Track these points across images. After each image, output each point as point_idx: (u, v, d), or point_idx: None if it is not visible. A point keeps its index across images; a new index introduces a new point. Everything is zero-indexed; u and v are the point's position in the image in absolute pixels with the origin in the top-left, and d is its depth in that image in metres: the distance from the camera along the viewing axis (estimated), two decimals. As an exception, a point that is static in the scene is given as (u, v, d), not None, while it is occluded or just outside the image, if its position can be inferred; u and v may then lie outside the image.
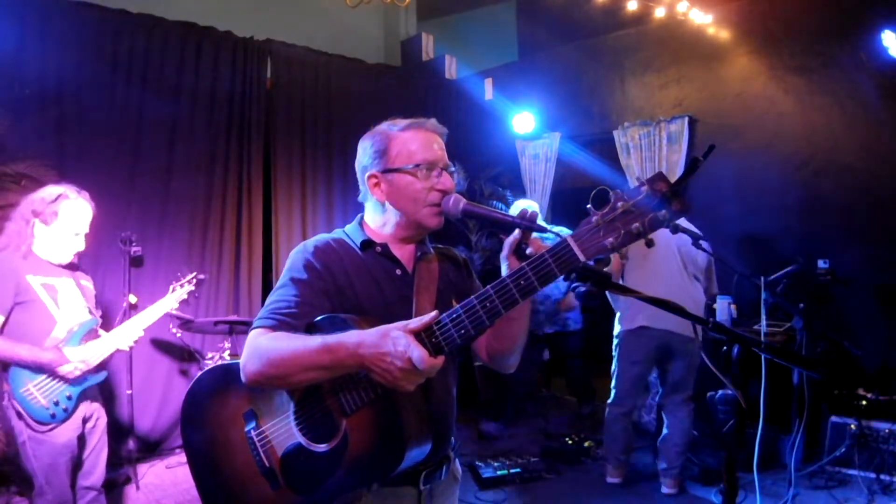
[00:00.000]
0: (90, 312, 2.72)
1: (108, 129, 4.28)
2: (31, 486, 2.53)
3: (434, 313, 1.23)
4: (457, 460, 1.63)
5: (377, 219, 1.54)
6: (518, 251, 1.33)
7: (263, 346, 1.32)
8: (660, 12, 4.98)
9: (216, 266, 4.75)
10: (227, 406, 1.54)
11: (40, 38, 4.01)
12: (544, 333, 5.05)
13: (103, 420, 2.78)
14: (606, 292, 3.80)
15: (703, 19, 4.93)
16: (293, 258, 1.47)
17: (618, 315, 3.86)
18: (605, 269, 3.68)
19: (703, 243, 3.43)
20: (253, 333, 1.36)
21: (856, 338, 4.06)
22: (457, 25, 7.13)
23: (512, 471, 4.00)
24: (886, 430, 3.67)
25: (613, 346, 3.87)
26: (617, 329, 3.85)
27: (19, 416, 2.48)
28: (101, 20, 4.27)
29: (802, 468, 3.78)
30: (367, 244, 1.50)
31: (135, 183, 4.39)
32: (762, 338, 3.87)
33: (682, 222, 3.48)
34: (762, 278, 3.63)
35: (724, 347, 1.58)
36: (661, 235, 3.43)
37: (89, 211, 2.69)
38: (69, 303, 2.63)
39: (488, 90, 6.18)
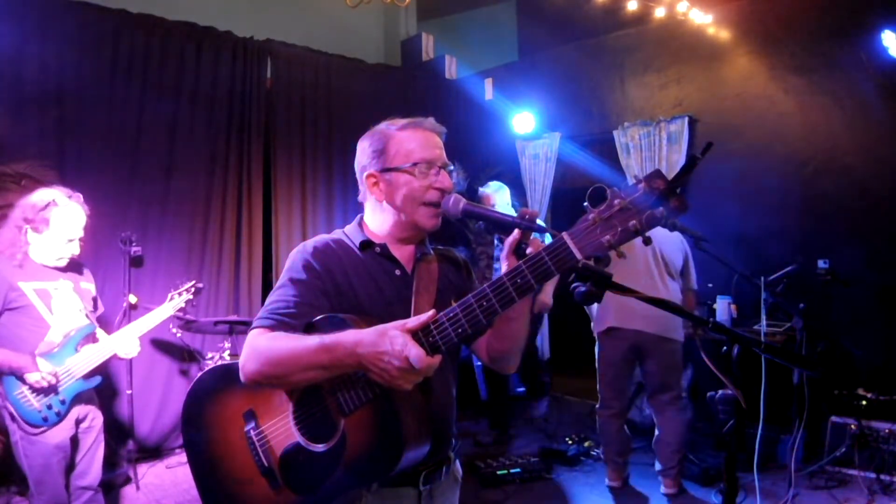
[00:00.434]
0: (87, 317, 2.71)
1: (108, 129, 4.28)
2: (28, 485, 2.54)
3: (431, 312, 1.23)
4: (457, 461, 1.63)
5: (376, 219, 1.54)
6: (517, 251, 1.33)
7: (262, 345, 1.32)
8: (660, 12, 4.98)
9: (216, 266, 4.75)
10: (227, 406, 1.54)
11: (40, 38, 4.01)
12: None
13: (99, 421, 2.77)
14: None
15: (703, 19, 4.93)
16: (292, 259, 1.47)
17: (594, 316, 3.87)
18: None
19: (705, 244, 3.42)
20: (252, 333, 1.37)
21: (856, 338, 4.06)
22: (457, 25, 7.13)
23: (512, 471, 4.00)
24: (886, 430, 3.67)
25: (595, 350, 3.89)
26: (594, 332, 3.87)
27: (12, 417, 2.49)
28: (101, 20, 4.27)
29: (802, 468, 3.77)
30: (367, 244, 1.50)
31: (135, 183, 4.39)
32: (762, 338, 3.87)
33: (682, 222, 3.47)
34: (762, 278, 3.63)
35: (724, 347, 1.58)
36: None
37: (82, 215, 2.67)
38: (63, 308, 2.62)
39: (488, 90, 6.18)
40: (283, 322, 1.36)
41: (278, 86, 5.14)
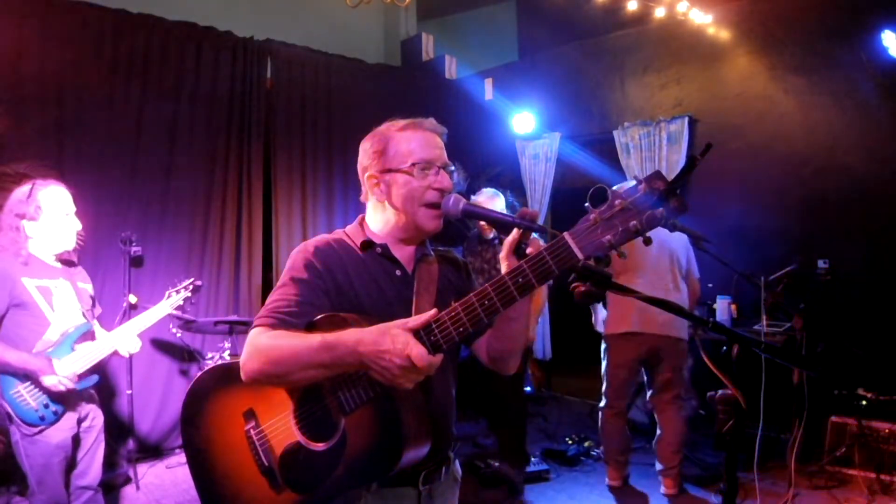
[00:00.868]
0: (84, 315, 2.71)
1: (108, 129, 4.28)
2: (28, 484, 2.53)
3: (433, 311, 1.23)
4: (456, 461, 1.63)
5: (377, 219, 1.54)
6: (517, 251, 1.33)
7: (263, 344, 1.32)
8: (660, 12, 4.98)
9: (216, 266, 4.75)
10: (226, 405, 1.54)
11: (40, 38, 4.01)
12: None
13: (99, 420, 2.77)
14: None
15: (703, 19, 4.94)
16: (293, 258, 1.47)
17: (602, 316, 3.86)
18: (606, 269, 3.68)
19: (706, 244, 3.43)
20: (253, 332, 1.37)
21: (856, 338, 4.06)
22: (457, 25, 7.14)
23: (512, 471, 4.00)
24: (886, 430, 3.67)
25: (602, 350, 3.87)
26: (602, 331, 3.84)
27: (9, 417, 2.48)
28: (101, 20, 4.27)
29: (802, 468, 3.77)
30: (367, 244, 1.50)
31: (135, 183, 4.40)
32: (762, 338, 3.87)
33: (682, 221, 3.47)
34: (762, 278, 3.63)
35: (724, 347, 1.58)
36: (657, 237, 3.43)
37: (66, 191, 2.68)
38: (64, 305, 2.62)
39: (488, 90, 6.18)
40: (284, 321, 1.36)
41: (278, 86, 5.15)
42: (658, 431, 3.76)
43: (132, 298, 3.98)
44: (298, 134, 5.26)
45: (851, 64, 4.31)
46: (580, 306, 4.98)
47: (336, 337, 1.24)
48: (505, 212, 3.89)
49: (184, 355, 4.57)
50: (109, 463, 3.49)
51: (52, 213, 2.60)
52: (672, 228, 3.01)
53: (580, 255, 1.16)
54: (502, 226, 1.36)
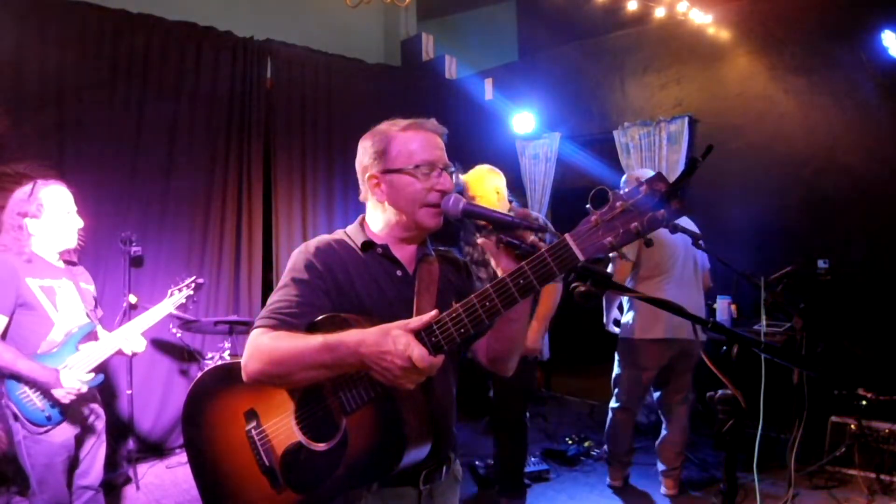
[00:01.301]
0: (87, 315, 2.71)
1: (108, 129, 4.29)
2: (29, 484, 2.53)
3: (434, 312, 1.23)
4: (457, 461, 1.63)
5: (378, 219, 1.54)
6: (518, 252, 1.33)
7: (265, 345, 1.32)
8: (660, 12, 4.98)
9: (216, 266, 4.75)
10: (227, 405, 1.54)
11: (40, 38, 4.02)
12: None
13: (102, 419, 2.78)
14: (624, 297, 3.79)
15: (703, 19, 4.93)
16: (294, 258, 1.48)
17: (616, 317, 3.84)
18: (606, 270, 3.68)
19: (702, 243, 3.43)
20: (254, 333, 1.37)
21: (856, 338, 4.06)
22: (457, 25, 7.13)
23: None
24: (886, 430, 3.67)
25: (618, 351, 3.81)
26: (623, 332, 3.76)
27: (15, 417, 2.48)
28: (101, 20, 4.27)
29: (802, 468, 3.77)
30: (368, 245, 1.51)
31: (135, 183, 4.40)
32: (762, 338, 3.87)
33: (682, 221, 3.48)
34: (762, 278, 3.63)
35: (724, 347, 1.58)
36: (682, 241, 3.46)
37: (66, 190, 2.70)
38: (67, 305, 2.63)
39: (488, 90, 6.18)
40: (285, 321, 1.36)
41: (278, 86, 5.15)
42: (664, 432, 3.74)
43: (132, 298, 3.98)
44: (298, 134, 5.26)
45: (851, 64, 4.31)
46: (580, 306, 4.95)
47: (337, 338, 1.24)
48: (506, 191, 3.88)
49: (184, 355, 4.57)
50: (110, 463, 3.48)
51: (54, 210, 2.61)
52: (673, 230, 3.03)
53: (581, 257, 1.16)
54: (503, 226, 1.36)
